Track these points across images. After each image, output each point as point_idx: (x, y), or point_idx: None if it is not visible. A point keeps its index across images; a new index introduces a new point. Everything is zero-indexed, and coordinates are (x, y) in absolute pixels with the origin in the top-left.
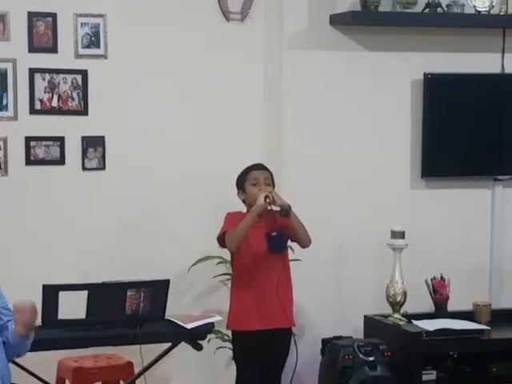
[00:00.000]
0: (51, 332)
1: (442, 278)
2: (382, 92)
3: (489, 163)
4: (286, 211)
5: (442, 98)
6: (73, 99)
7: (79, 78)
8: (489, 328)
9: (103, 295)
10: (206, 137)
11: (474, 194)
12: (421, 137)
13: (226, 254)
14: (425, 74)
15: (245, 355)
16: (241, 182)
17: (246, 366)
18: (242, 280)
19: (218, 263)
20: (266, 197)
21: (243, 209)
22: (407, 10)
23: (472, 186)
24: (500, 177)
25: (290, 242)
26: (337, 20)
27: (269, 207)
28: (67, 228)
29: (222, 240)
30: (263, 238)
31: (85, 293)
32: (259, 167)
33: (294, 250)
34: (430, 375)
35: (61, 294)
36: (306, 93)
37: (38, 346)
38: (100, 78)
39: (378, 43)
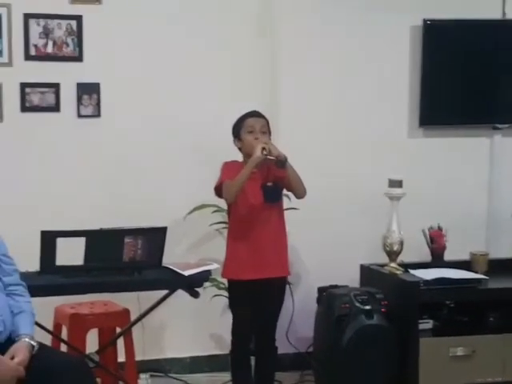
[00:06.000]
0: (49, 278)
1: (439, 227)
2: (379, 39)
3: (488, 111)
4: (282, 162)
5: (441, 45)
6: (67, 45)
7: (74, 23)
8: (486, 277)
9: (101, 242)
10: (201, 84)
11: (473, 143)
12: (419, 84)
13: (221, 202)
14: (424, 20)
15: (240, 304)
16: (236, 130)
17: (241, 315)
18: (238, 230)
19: (214, 212)
20: (263, 148)
21: (239, 157)
22: None
23: (470, 135)
24: (499, 125)
25: (285, 192)
26: None
27: (266, 157)
28: (63, 175)
29: (219, 190)
30: (259, 189)
31: (82, 239)
32: (255, 114)
33: (290, 198)
34: (426, 324)
35: (58, 240)
36: (299, 39)
37: (36, 292)
38: (95, 24)
39: None
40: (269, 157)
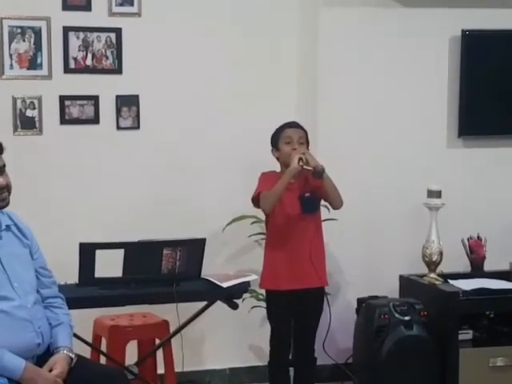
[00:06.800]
0: (88, 290)
1: (478, 237)
2: (418, 49)
3: None
4: (319, 173)
5: (480, 55)
6: (107, 58)
7: (113, 36)
8: None
9: (139, 254)
10: (241, 96)
11: None
12: (458, 95)
13: (260, 213)
14: (463, 30)
15: (278, 314)
16: (275, 140)
17: (279, 325)
18: (276, 241)
19: (253, 223)
20: (300, 159)
21: (278, 167)
22: None
23: (510, 145)
24: None
25: (324, 202)
26: None
27: (303, 168)
28: (102, 187)
29: (256, 201)
30: (296, 200)
31: (121, 251)
32: (293, 125)
33: (329, 209)
34: (466, 335)
35: (97, 252)
36: (340, 51)
37: (75, 304)
38: (134, 37)
39: None
40: (305, 167)
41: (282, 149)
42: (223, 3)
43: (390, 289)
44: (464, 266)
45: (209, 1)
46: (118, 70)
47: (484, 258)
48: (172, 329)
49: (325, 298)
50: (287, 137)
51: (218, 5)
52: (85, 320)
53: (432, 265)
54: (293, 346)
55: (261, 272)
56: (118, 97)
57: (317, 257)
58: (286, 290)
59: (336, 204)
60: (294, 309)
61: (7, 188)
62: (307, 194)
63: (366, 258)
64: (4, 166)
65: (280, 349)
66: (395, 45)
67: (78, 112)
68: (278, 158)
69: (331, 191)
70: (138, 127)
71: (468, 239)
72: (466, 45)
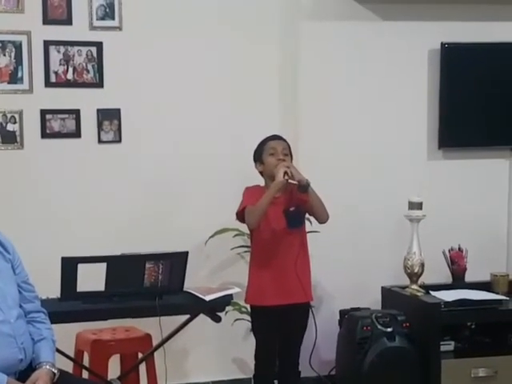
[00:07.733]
0: (70, 304)
1: (459, 248)
2: (398, 62)
3: (506, 133)
4: (305, 187)
5: (460, 68)
6: (88, 72)
7: (94, 50)
8: (506, 298)
9: (122, 267)
10: (222, 110)
11: (492, 164)
12: (438, 107)
13: (243, 226)
14: (442, 43)
15: (263, 329)
16: (258, 154)
17: (264, 340)
18: (261, 255)
19: (235, 235)
20: (285, 172)
21: (261, 181)
22: None
23: (489, 156)
24: None
25: (307, 215)
26: None
27: (288, 182)
28: (84, 200)
29: (241, 216)
30: (281, 214)
31: (103, 265)
32: (276, 138)
33: (312, 222)
34: (448, 346)
35: (79, 266)
36: (320, 64)
37: (57, 318)
38: (115, 50)
39: (394, 12)
40: (291, 181)
41: (266, 161)
42: (204, 18)
43: (372, 300)
44: (445, 277)
45: (190, 14)
46: (99, 84)
47: (465, 269)
48: (155, 342)
49: (310, 312)
50: (271, 148)
51: (199, 19)
52: (67, 334)
53: (414, 276)
54: (278, 359)
55: (245, 286)
56: (99, 110)
57: (302, 272)
58: (271, 305)
59: (322, 218)
60: (280, 324)
61: None
62: (292, 209)
63: (348, 270)
64: None
65: (265, 363)
66: (375, 57)
67: (59, 126)
68: (261, 173)
69: (317, 205)
70: (119, 141)
71: (449, 250)
72: (445, 57)
